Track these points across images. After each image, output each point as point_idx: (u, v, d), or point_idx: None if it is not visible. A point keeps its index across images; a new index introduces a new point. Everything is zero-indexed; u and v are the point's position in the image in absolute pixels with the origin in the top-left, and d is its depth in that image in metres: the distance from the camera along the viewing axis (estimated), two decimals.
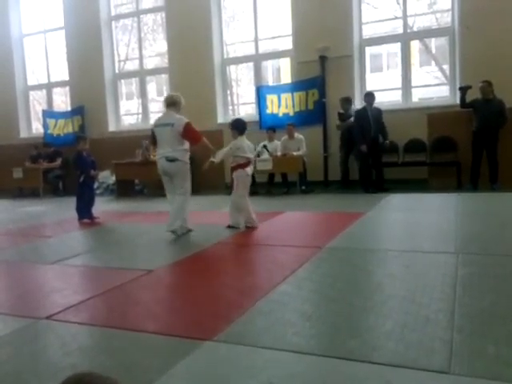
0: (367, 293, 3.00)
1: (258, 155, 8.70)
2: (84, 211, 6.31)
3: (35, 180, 10.42)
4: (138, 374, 2.08)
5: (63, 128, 11.59)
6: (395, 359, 2.05)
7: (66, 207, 7.56)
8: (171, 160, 4.92)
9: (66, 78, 11.63)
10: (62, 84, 12.16)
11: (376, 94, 8.19)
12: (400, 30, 8.89)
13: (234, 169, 5.33)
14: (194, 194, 8.86)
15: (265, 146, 8.65)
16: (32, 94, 12.73)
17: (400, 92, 8.84)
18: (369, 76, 9.23)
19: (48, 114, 11.87)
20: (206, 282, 3.38)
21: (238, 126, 5.32)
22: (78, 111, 11.30)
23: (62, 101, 13.34)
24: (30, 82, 12.52)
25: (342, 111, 8.42)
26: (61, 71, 12.01)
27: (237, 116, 10.55)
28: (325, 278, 3.31)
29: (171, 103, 5.09)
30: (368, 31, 9.20)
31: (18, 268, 4.12)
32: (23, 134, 12.15)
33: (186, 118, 4.97)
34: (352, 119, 8.20)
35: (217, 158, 5.26)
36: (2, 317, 2.88)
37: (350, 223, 5.16)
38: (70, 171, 8.04)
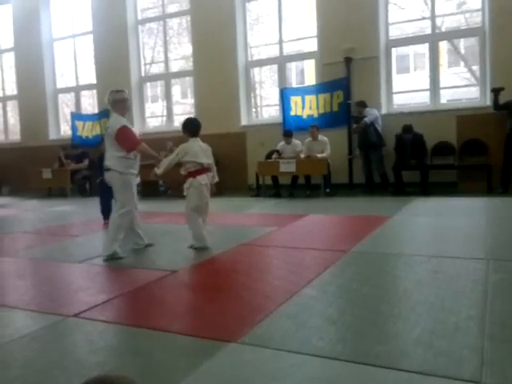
0: (394, 298, 2.94)
1: (280, 154, 8.67)
2: (107, 212, 6.36)
3: (63, 180, 10.65)
4: (164, 375, 2.09)
5: (91, 130, 11.80)
6: (424, 367, 2.00)
7: (93, 207, 7.67)
8: (106, 169, 4.34)
9: (94, 81, 11.83)
10: (89, 87, 12.38)
11: (403, 95, 8.08)
12: (428, 31, 8.74)
13: (184, 178, 4.53)
14: (217, 196, 8.95)
15: (277, 151, 8.62)
16: (61, 97, 13.00)
17: (428, 93, 8.68)
18: (395, 77, 9.09)
19: (76, 116, 12.10)
20: (229, 283, 3.38)
21: (189, 127, 4.55)
22: (105, 114, 11.45)
23: (90, 103, 13.59)
24: (59, 85, 12.78)
25: (356, 114, 8.34)
26: (88, 74, 12.23)
27: (259, 118, 10.57)
28: (350, 282, 3.26)
29: (108, 105, 4.45)
30: (394, 32, 9.08)
31: (46, 266, 4.19)
32: (52, 136, 12.41)
33: (124, 122, 4.32)
34: (366, 120, 8.11)
35: (160, 169, 4.42)
36: (30, 313, 2.94)
37: (376, 227, 5.09)
38: (96, 172, 8.15)
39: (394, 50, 8.94)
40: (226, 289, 3.25)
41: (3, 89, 13.78)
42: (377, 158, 8.23)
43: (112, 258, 4.21)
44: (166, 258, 4.08)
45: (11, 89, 13.49)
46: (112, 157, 4.27)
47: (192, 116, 5.82)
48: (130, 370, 2.13)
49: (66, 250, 4.82)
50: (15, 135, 13.42)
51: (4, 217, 7.88)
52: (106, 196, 6.30)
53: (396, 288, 3.19)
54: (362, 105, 8.37)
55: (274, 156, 8.69)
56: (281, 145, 8.69)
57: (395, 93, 8.95)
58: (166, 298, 3.14)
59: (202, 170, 4.43)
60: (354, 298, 2.94)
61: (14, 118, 13.82)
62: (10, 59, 13.26)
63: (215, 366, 2.12)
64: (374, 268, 3.64)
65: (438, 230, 5.06)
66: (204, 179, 4.43)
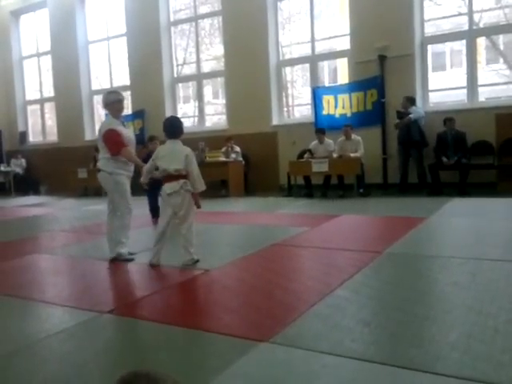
0: (430, 301, 2.88)
1: (312, 154, 8.60)
2: (154, 210, 6.39)
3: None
4: (196, 373, 2.10)
5: None
6: (461, 371, 1.94)
7: None
8: (98, 170, 4.31)
9: (127, 82, 12.05)
10: (123, 88, 12.56)
11: (439, 93, 7.88)
12: (465, 27, 8.51)
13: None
14: (248, 196, 9.01)
15: (309, 151, 8.55)
16: (96, 99, 13.29)
17: (465, 91, 8.45)
18: (431, 75, 8.89)
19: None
20: (261, 282, 3.37)
21: (164, 127, 4.09)
22: (138, 115, 11.68)
23: (124, 105, 13.84)
24: (94, 86, 13.08)
25: (401, 110, 8.15)
26: (122, 76, 12.46)
27: (291, 118, 10.53)
28: (384, 284, 3.20)
29: (103, 105, 4.44)
30: (430, 29, 8.88)
31: (83, 264, 4.29)
32: (88, 137, 12.71)
33: (114, 124, 4.23)
34: (411, 116, 7.95)
35: (143, 178, 4.14)
36: (67, 309, 3.02)
37: (411, 228, 4.98)
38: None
39: (429, 47, 8.74)
40: (259, 288, 3.25)
41: (41, 91, 14.21)
42: (417, 157, 8.05)
43: (118, 260, 4.20)
44: (200, 256, 4.10)
45: (48, 91, 13.89)
46: (102, 158, 4.26)
47: (174, 115, 5.35)
48: (164, 367, 2.15)
49: (102, 247, 4.91)
50: (53, 136, 13.82)
51: (42, 215, 8.12)
52: (151, 195, 6.35)
53: (432, 290, 3.11)
54: (411, 101, 8.16)
55: (306, 156, 8.64)
56: (313, 144, 8.62)
57: (431, 91, 8.75)
58: (199, 296, 3.17)
59: (170, 176, 3.90)
60: (388, 300, 2.88)
61: (51, 120, 14.24)
62: (47, 62, 13.66)
63: (247, 365, 2.11)
64: (409, 270, 3.56)
65: (476, 231, 4.91)
66: (171, 187, 3.87)
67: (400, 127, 8.11)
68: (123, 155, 4.18)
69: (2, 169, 13.17)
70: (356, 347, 2.23)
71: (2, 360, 2.31)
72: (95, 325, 2.76)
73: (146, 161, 4.50)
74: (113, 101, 4.29)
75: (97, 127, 13.19)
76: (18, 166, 13.34)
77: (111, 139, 4.18)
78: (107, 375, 2.14)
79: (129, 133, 4.42)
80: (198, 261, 3.94)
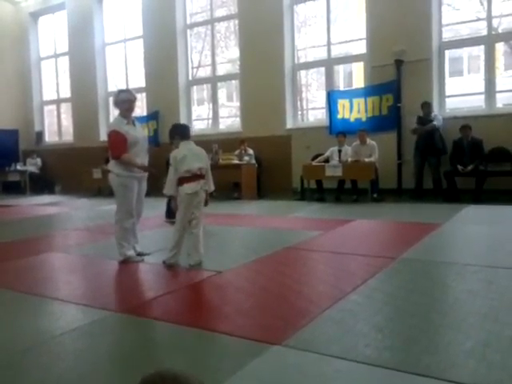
0: (444, 308, 2.84)
1: (328, 160, 8.60)
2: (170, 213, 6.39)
3: None
4: (208, 374, 2.10)
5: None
6: (476, 379, 1.92)
7: None
8: (108, 171, 4.32)
9: (143, 84, 12.14)
10: (138, 90, 12.66)
11: (456, 99, 7.79)
12: (483, 32, 8.43)
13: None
14: (261, 199, 8.99)
15: (339, 151, 8.51)
16: (111, 100, 13.38)
17: (482, 97, 8.35)
18: (448, 80, 8.80)
19: None
20: (274, 285, 3.36)
21: (178, 130, 4.16)
22: (153, 116, 11.76)
23: (139, 106, 13.94)
24: (110, 88, 13.19)
25: (421, 115, 8.07)
26: (138, 78, 12.56)
27: (305, 121, 10.51)
28: (398, 289, 3.17)
29: (113, 104, 4.40)
30: (448, 34, 8.80)
31: (97, 263, 4.33)
32: (103, 138, 12.81)
33: (119, 125, 4.18)
34: (435, 123, 7.87)
35: (166, 190, 4.02)
36: (81, 307, 3.04)
37: (425, 234, 4.93)
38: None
39: (447, 52, 8.66)
40: (271, 291, 3.24)
41: (58, 92, 14.37)
42: (435, 164, 7.97)
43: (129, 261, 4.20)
44: (211, 258, 4.11)
45: (65, 92, 14.05)
46: (112, 159, 4.21)
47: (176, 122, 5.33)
48: (176, 367, 2.15)
49: (115, 247, 4.94)
50: (68, 136, 13.97)
51: (56, 214, 8.21)
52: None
53: (446, 297, 3.07)
54: (430, 107, 8.07)
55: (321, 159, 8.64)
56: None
57: (448, 96, 8.67)
58: (212, 297, 3.17)
59: (192, 177, 3.92)
60: (402, 306, 2.85)
61: (67, 120, 14.39)
62: (64, 63, 13.83)
63: (260, 368, 2.11)
64: (423, 276, 3.52)
65: (492, 239, 4.84)
66: (192, 188, 3.91)
67: (420, 133, 8.02)
68: (122, 161, 4.13)
69: (18, 168, 13.35)
70: (369, 352, 2.21)
71: (17, 356, 2.34)
72: (109, 323, 2.78)
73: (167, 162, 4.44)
74: (123, 100, 4.25)
75: None
76: (33, 165, 13.51)
77: (113, 142, 4.14)
78: (120, 374, 2.15)
79: (137, 133, 4.32)
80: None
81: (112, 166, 4.20)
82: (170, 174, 3.98)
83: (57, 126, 14.65)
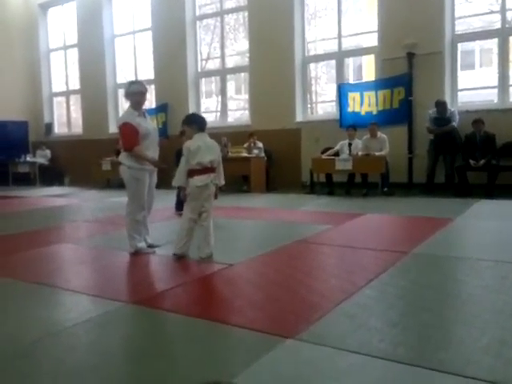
0: (458, 304, 2.81)
1: (338, 154, 8.54)
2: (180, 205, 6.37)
3: None
4: (222, 366, 2.09)
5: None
6: (493, 376, 1.89)
7: None
8: (119, 163, 4.28)
9: (152, 76, 12.11)
10: (147, 82, 12.59)
11: (468, 93, 7.68)
12: (496, 25, 8.30)
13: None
14: (270, 192, 8.97)
15: (350, 145, 8.44)
16: (120, 92, 13.38)
17: (495, 91, 8.25)
18: (459, 74, 8.70)
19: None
20: (285, 279, 3.34)
21: (197, 120, 4.05)
22: (161, 108, 11.74)
23: (147, 98, 13.93)
24: (119, 80, 13.17)
25: (435, 114, 7.92)
26: (147, 70, 12.53)
27: (314, 115, 10.45)
28: (411, 284, 3.14)
29: (123, 94, 4.35)
30: (460, 26, 8.68)
31: (107, 254, 4.33)
32: (112, 130, 12.82)
33: (131, 117, 4.16)
34: (454, 124, 7.78)
35: (176, 180, 3.98)
36: (93, 298, 3.04)
37: (437, 229, 4.89)
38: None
39: (459, 45, 8.55)
40: (282, 284, 3.22)
41: (67, 83, 14.39)
42: (450, 160, 7.88)
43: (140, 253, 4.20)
44: (222, 251, 4.09)
45: (74, 84, 14.07)
46: (123, 151, 4.19)
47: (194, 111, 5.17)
48: (189, 359, 2.14)
49: (125, 239, 4.94)
50: (77, 128, 13.99)
51: (66, 206, 8.24)
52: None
53: (460, 293, 3.03)
54: (445, 106, 7.89)
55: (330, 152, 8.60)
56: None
57: (460, 90, 8.57)
58: (223, 290, 3.16)
59: (202, 169, 3.89)
60: (415, 301, 2.82)
61: (76, 112, 14.42)
62: (73, 55, 13.83)
63: (274, 362, 2.09)
64: (436, 271, 3.49)
65: (505, 234, 4.78)
66: (202, 180, 3.88)
67: (437, 134, 7.90)
68: (134, 154, 4.11)
69: (28, 159, 13.41)
70: (384, 347, 2.19)
71: (30, 346, 2.34)
72: (121, 314, 2.78)
73: (177, 156, 4.48)
74: (134, 91, 4.21)
75: None
76: (43, 156, 13.56)
77: (125, 134, 4.12)
78: (133, 365, 2.15)
79: (148, 125, 4.32)
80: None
81: (124, 158, 4.18)
82: (182, 164, 3.94)
83: (66, 118, 14.68)
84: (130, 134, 4.10)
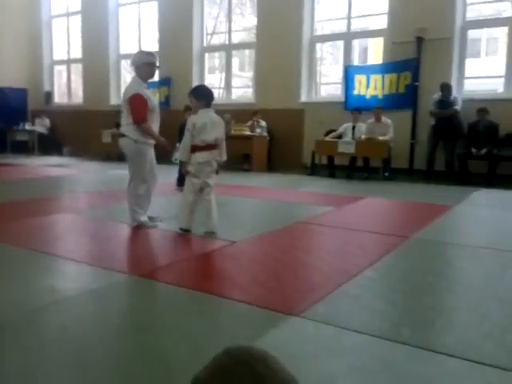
0: (461, 290, 2.83)
1: (341, 137, 8.51)
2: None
3: None
4: (227, 340, 2.10)
5: None
6: (496, 361, 1.91)
7: None
8: (121, 135, 4.13)
9: (156, 48, 11.93)
10: None
11: (473, 81, 7.62)
12: (506, 14, 8.20)
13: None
14: (271, 172, 8.96)
15: (353, 128, 8.40)
16: (123, 63, 13.21)
17: (501, 80, 8.19)
18: (466, 62, 8.62)
19: None
20: (288, 259, 3.36)
21: (205, 94, 3.94)
22: (165, 82, 11.61)
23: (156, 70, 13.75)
24: (122, 51, 12.98)
25: (440, 97, 7.89)
26: (151, 42, 12.34)
27: (318, 96, 10.35)
28: (413, 268, 3.17)
29: (131, 66, 4.16)
30: (470, 13, 8.57)
31: (109, 226, 4.33)
32: (113, 101, 12.70)
33: (141, 88, 4.03)
34: (457, 107, 7.74)
35: (179, 155, 3.99)
36: (96, 269, 3.04)
37: (438, 215, 4.91)
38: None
39: (469, 32, 8.45)
40: (286, 263, 3.24)
41: (68, 52, 14.16)
42: (451, 146, 7.87)
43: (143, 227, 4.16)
44: (224, 228, 4.09)
45: (76, 52, 13.84)
46: (128, 124, 4.03)
47: (204, 84, 4.91)
48: (194, 333, 2.16)
49: (127, 212, 4.94)
50: (78, 98, 13.84)
51: (65, 176, 8.20)
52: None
53: (462, 279, 3.07)
54: (450, 89, 7.84)
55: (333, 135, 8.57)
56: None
57: (467, 78, 8.51)
58: (227, 266, 3.17)
59: (206, 146, 3.86)
60: (418, 285, 2.85)
61: (77, 82, 14.23)
62: (76, 23, 13.57)
63: (279, 338, 2.11)
64: (437, 257, 3.52)
65: (504, 223, 4.81)
66: (204, 157, 3.86)
67: (440, 117, 7.87)
68: (144, 129, 4.02)
69: (27, 128, 13.29)
70: (387, 328, 2.22)
71: (33, 314, 2.34)
72: (125, 286, 2.79)
73: (181, 130, 4.35)
74: (147, 62, 4.09)
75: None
76: (42, 125, 13.43)
77: (136, 106, 3.99)
78: (135, 336, 2.16)
79: (155, 99, 4.25)
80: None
81: (129, 131, 4.05)
82: (186, 139, 3.89)
83: (66, 87, 14.50)
84: (141, 106, 4.00)
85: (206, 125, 3.83)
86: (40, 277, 2.90)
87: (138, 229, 4.16)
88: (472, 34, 8.81)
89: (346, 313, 2.40)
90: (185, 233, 3.96)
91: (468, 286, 2.89)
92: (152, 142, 4.20)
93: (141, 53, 4.27)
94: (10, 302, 2.49)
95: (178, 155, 4.00)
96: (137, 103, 3.99)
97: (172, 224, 4.21)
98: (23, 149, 13.02)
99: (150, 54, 4.27)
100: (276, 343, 2.06)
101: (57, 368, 1.87)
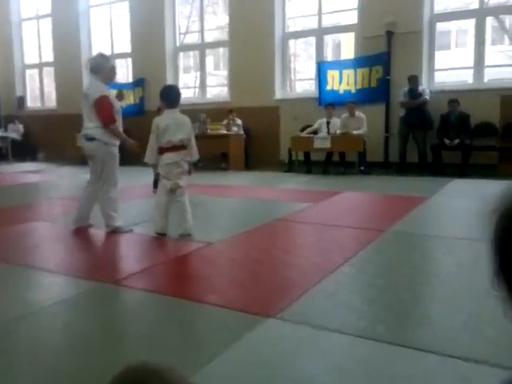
0: (436, 281, 2.87)
1: (316, 132, 8.55)
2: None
3: None
4: (204, 346, 2.09)
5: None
6: (471, 354, 1.94)
7: (127, 176, 7.73)
8: (89, 139, 4.03)
9: (129, 49, 11.79)
10: (124, 55, 12.35)
11: (443, 73, 7.74)
12: (472, 6, 8.33)
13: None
14: (248, 170, 8.96)
15: (328, 123, 8.44)
16: (90, 64, 12.98)
17: (469, 72, 8.32)
18: (436, 54, 8.74)
19: (110, 85, 12.08)
20: (266, 257, 3.35)
21: (166, 95, 3.96)
22: (138, 83, 11.48)
23: (124, 72, 13.59)
24: (94, 52, 12.78)
25: (410, 89, 7.99)
26: (123, 43, 12.19)
27: (293, 92, 10.37)
28: (389, 262, 3.20)
29: (92, 68, 4.08)
30: (438, 6, 8.68)
31: (84, 233, 4.25)
32: None
33: (106, 90, 4.06)
34: (427, 97, 7.85)
35: (147, 158, 3.95)
36: (70, 279, 2.99)
37: (413, 207, 4.96)
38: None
39: (438, 24, 8.56)
40: (263, 263, 3.23)
41: (40, 56, 13.88)
42: (423, 137, 7.98)
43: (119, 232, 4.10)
44: (200, 229, 4.07)
45: (48, 56, 13.58)
46: (96, 127, 3.98)
47: (173, 84, 4.94)
48: (170, 339, 2.14)
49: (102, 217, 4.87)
50: (51, 102, 13.59)
51: (40, 182, 8.05)
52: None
53: (438, 271, 3.10)
54: (417, 80, 7.98)
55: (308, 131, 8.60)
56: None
57: (437, 70, 8.62)
58: (203, 269, 3.15)
59: (172, 147, 3.84)
60: (394, 279, 2.87)
61: (49, 86, 13.96)
62: (47, 25, 13.31)
63: (255, 340, 2.10)
64: (413, 249, 3.55)
65: (479, 213, 4.88)
66: (171, 158, 3.84)
67: (410, 107, 7.97)
68: (112, 130, 4.00)
69: (0, 134, 12.99)
70: (364, 325, 2.23)
71: (6, 325, 2.29)
72: (98, 294, 2.74)
73: None
74: (112, 67, 4.15)
75: None
76: (15, 131, 13.13)
77: (104, 108, 3.97)
78: (112, 346, 2.13)
79: (117, 102, 4.25)
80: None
81: (98, 133, 3.99)
82: (151, 141, 3.89)
83: (39, 91, 14.22)
84: (109, 108, 3.99)
85: (170, 126, 3.82)
86: (13, 288, 2.83)
87: (113, 234, 4.10)
88: (441, 26, 8.94)
89: (323, 311, 2.40)
90: (161, 236, 3.93)
91: (443, 277, 2.93)
92: (117, 142, 4.15)
93: (104, 56, 4.27)
94: None
95: (145, 158, 3.98)
96: (105, 105, 3.97)
97: (149, 228, 4.16)
98: None
99: (107, 57, 4.31)
100: (253, 346, 2.05)
101: (28, 378, 1.83)
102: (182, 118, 3.95)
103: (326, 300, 2.54)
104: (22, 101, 13.95)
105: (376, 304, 2.50)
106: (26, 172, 9.65)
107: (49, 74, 13.72)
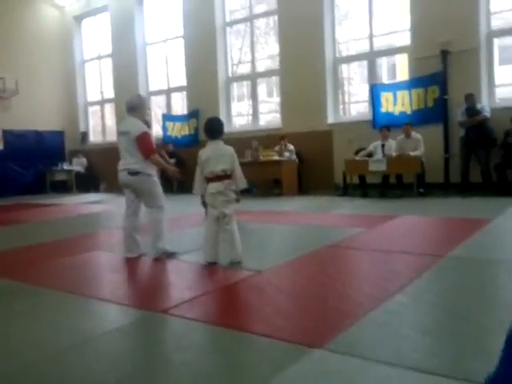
0: (498, 311, 2.66)
1: (371, 155, 8.38)
2: None
3: None
4: (248, 377, 2.04)
5: (180, 130, 12.25)
6: None
7: (181, 205, 7.92)
8: (133, 173, 4.27)
9: (184, 83, 12.24)
10: (179, 89, 12.83)
11: (506, 89, 7.39)
12: None
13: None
14: (302, 195, 8.90)
15: (383, 146, 8.27)
16: (153, 99, 13.60)
17: None
18: (497, 69, 8.37)
19: (167, 117, 12.61)
20: (315, 286, 3.26)
21: (207, 128, 4.09)
22: (193, 114, 11.85)
23: (180, 105, 14.10)
24: (152, 87, 13.38)
25: (468, 107, 7.69)
26: (179, 77, 12.67)
27: (347, 116, 10.28)
28: (447, 290, 3.01)
29: (130, 108, 4.39)
30: (497, 21, 8.36)
31: (134, 262, 4.35)
32: None
33: (146, 128, 4.36)
34: (487, 114, 7.53)
35: (194, 189, 4.13)
36: (122, 307, 3.04)
37: (475, 230, 4.69)
38: (185, 170, 8.33)
39: (496, 40, 8.23)
40: (312, 291, 3.14)
41: (101, 93, 14.73)
42: (485, 156, 7.61)
43: (164, 256, 4.30)
44: (251, 257, 4.05)
45: (109, 93, 14.38)
46: (139, 161, 4.25)
47: (215, 116, 5.04)
48: (213, 370, 2.10)
49: (151, 245, 4.97)
50: (112, 136, 14.29)
51: (101, 212, 8.39)
52: None
53: (500, 299, 2.88)
54: (474, 98, 7.70)
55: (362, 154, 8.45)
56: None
57: (498, 86, 8.25)
58: (251, 298, 3.11)
59: (215, 177, 3.93)
60: (451, 309, 2.69)
61: (111, 120, 14.73)
62: (107, 64, 14.15)
63: (300, 373, 2.02)
64: (474, 276, 3.33)
65: None
66: (215, 187, 3.92)
67: (469, 126, 7.65)
68: (154, 160, 4.31)
69: (65, 167, 13.79)
70: (417, 357, 2.09)
71: (58, 355, 2.35)
72: (148, 324, 2.77)
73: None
74: (147, 105, 4.57)
75: (154, 127, 13.51)
76: (79, 164, 13.92)
77: (148, 142, 4.30)
78: (158, 375, 2.12)
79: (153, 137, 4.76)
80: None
81: (142, 167, 4.26)
82: (197, 173, 4.06)
83: (101, 126, 15.02)
84: (151, 142, 4.38)
85: (211, 157, 3.94)
86: (67, 317, 2.92)
87: (164, 262, 4.18)
88: (503, 41, 8.59)
89: (373, 342, 2.28)
90: (211, 265, 3.94)
91: (506, 306, 2.71)
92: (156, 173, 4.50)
93: (141, 97, 4.69)
94: (36, 343, 2.51)
95: (193, 190, 4.15)
96: (147, 140, 4.31)
97: (200, 256, 4.19)
98: (62, 188, 13.49)
99: (142, 97, 4.81)
100: (297, 379, 1.97)
101: None
102: (224, 149, 4.02)
103: (376, 330, 2.42)
104: (85, 135, 14.80)
105: (431, 335, 2.34)
106: (89, 203, 10.12)
107: (110, 109, 14.49)
